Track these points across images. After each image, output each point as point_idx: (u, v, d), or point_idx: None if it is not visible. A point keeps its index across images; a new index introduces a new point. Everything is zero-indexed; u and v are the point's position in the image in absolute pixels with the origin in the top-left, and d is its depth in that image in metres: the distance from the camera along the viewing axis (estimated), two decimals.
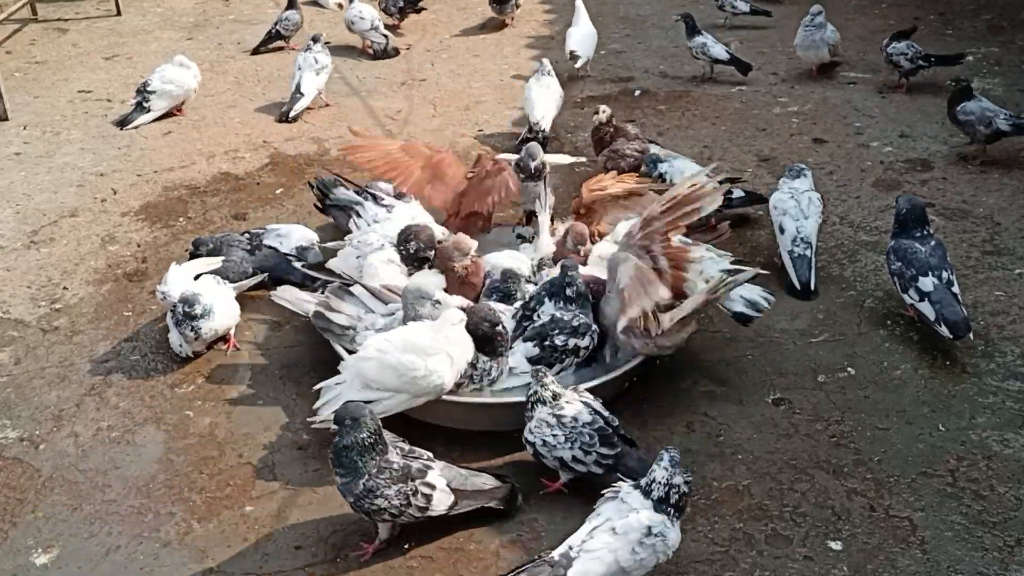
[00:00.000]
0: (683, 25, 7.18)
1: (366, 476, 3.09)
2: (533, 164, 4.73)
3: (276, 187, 5.81)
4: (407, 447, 3.25)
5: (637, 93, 7.05)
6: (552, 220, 4.71)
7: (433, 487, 3.17)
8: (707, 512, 3.37)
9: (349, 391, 3.57)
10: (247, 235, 4.79)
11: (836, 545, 3.23)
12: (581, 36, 7.24)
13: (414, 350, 3.50)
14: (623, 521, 2.93)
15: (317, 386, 3.71)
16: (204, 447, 3.75)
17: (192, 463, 3.67)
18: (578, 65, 7.17)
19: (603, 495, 3.10)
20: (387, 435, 3.21)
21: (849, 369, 4.07)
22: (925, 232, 4.31)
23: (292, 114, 6.64)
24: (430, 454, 3.29)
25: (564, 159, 5.42)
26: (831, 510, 3.36)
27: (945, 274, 4.15)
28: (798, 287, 4.51)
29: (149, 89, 6.64)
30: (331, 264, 4.38)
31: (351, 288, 4.06)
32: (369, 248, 4.31)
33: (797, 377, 4.02)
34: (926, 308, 4.11)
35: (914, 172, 5.73)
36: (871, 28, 8.20)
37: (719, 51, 7.11)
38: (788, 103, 6.78)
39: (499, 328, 3.68)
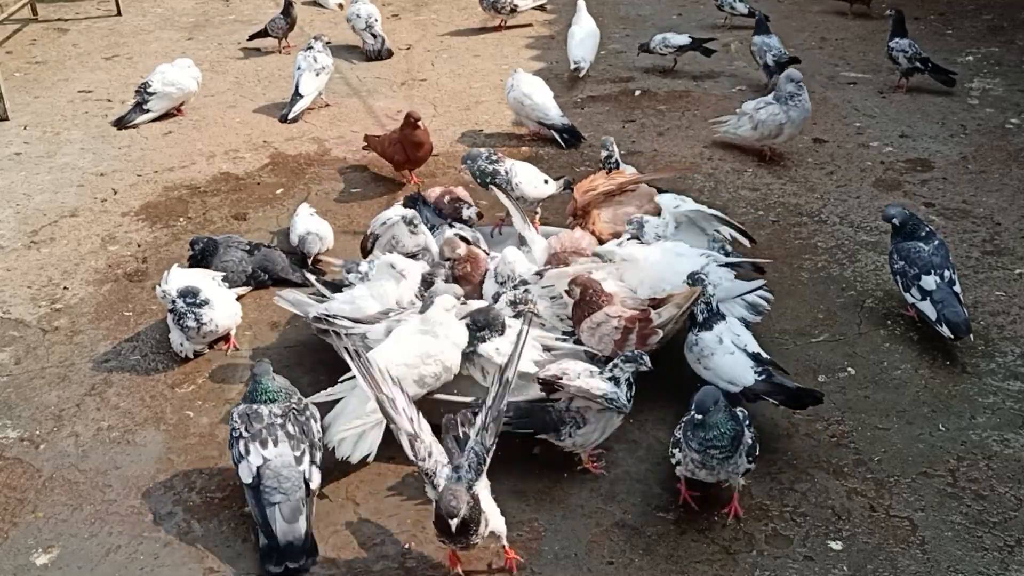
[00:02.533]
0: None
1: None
2: (475, 166, 4.96)
3: (276, 187, 5.81)
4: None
5: (637, 93, 7.05)
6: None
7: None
8: (707, 512, 3.37)
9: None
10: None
11: (836, 545, 3.22)
12: (583, 36, 7.23)
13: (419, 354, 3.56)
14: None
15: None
16: (204, 447, 3.75)
17: (192, 463, 3.67)
18: (582, 75, 7.18)
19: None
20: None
21: (849, 369, 4.07)
22: (928, 231, 4.31)
23: (291, 116, 6.65)
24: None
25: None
26: (831, 510, 3.36)
27: (947, 273, 4.15)
28: None
29: (150, 91, 6.64)
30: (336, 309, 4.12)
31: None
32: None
33: (797, 377, 4.01)
34: (927, 308, 4.11)
35: (914, 172, 5.73)
36: (871, 28, 8.21)
37: (681, 39, 7.25)
38: None
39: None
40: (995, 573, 3.10)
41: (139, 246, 5.20)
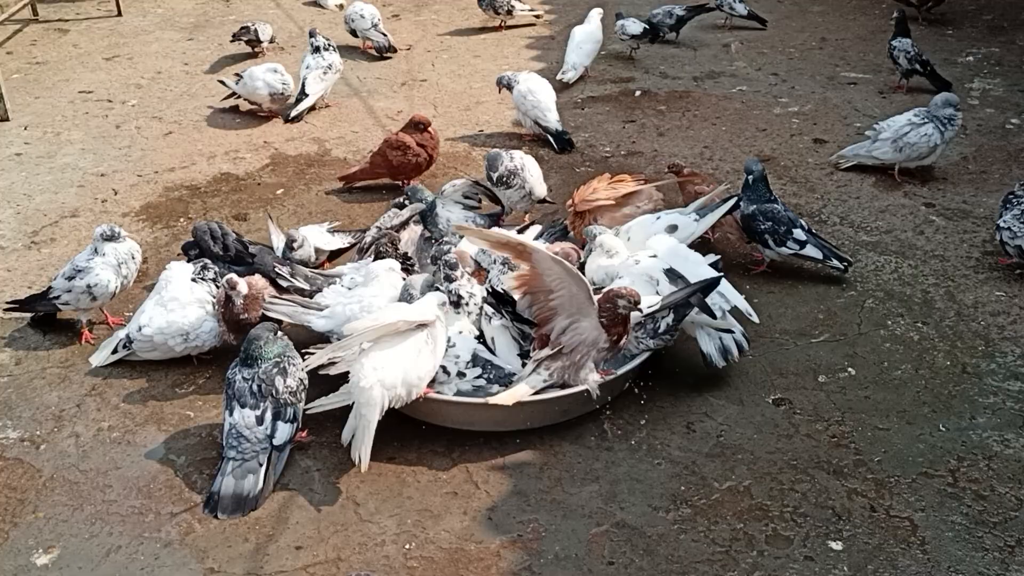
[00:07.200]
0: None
1: None
2: (496, 174, 4.94)
3: (277, 187, 5.81)
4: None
5: (638, 93, 7.05)
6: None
7: None
8: (708, 512, 3.37)
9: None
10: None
11: (837, 545, 3.23)
12: (581, 37, 7.21)
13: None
14: None
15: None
16: (204, 447, 3.75)
17: (193, 463, 3.67)
18: (571, 83, 7.15)
19: None
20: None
21: (849, 369, 4.07)
22: (772, 195, 4.71)
23: (293, 114, 6.65)
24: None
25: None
26: (831, 510, 3.36)
27: (804, 223, 4.66)
28: None
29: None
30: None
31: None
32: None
33: (797, 377, 4.02)
34: (812, 251, 4.57)
35: (914, 172, 5.73)
36: (871, 28, 8.22)
37: (637, 27, 7.63)
38: (788, 103, 6.79)
39: None
40: (995, 573, 3.10)
41: (139, 246, 5.19)
